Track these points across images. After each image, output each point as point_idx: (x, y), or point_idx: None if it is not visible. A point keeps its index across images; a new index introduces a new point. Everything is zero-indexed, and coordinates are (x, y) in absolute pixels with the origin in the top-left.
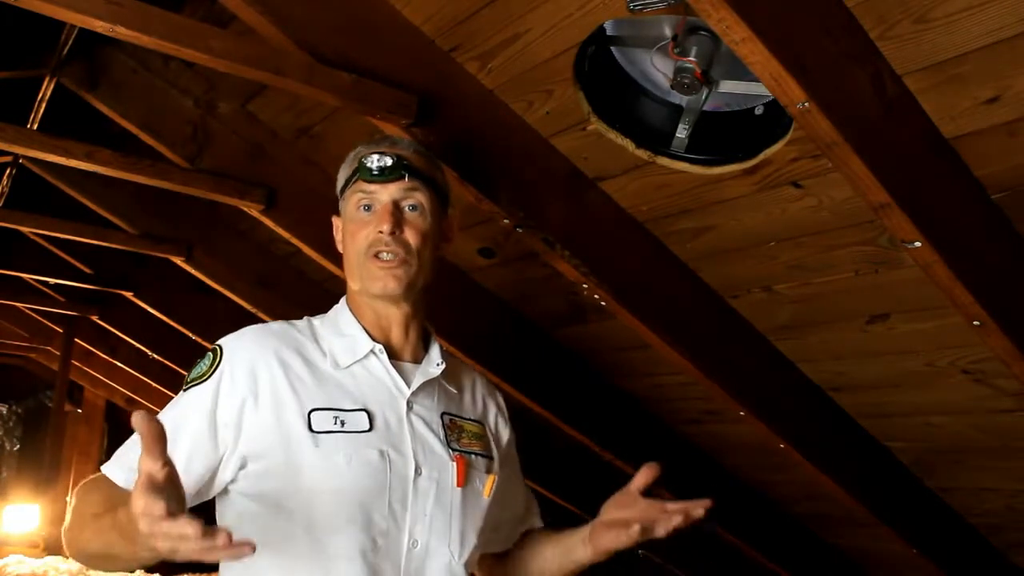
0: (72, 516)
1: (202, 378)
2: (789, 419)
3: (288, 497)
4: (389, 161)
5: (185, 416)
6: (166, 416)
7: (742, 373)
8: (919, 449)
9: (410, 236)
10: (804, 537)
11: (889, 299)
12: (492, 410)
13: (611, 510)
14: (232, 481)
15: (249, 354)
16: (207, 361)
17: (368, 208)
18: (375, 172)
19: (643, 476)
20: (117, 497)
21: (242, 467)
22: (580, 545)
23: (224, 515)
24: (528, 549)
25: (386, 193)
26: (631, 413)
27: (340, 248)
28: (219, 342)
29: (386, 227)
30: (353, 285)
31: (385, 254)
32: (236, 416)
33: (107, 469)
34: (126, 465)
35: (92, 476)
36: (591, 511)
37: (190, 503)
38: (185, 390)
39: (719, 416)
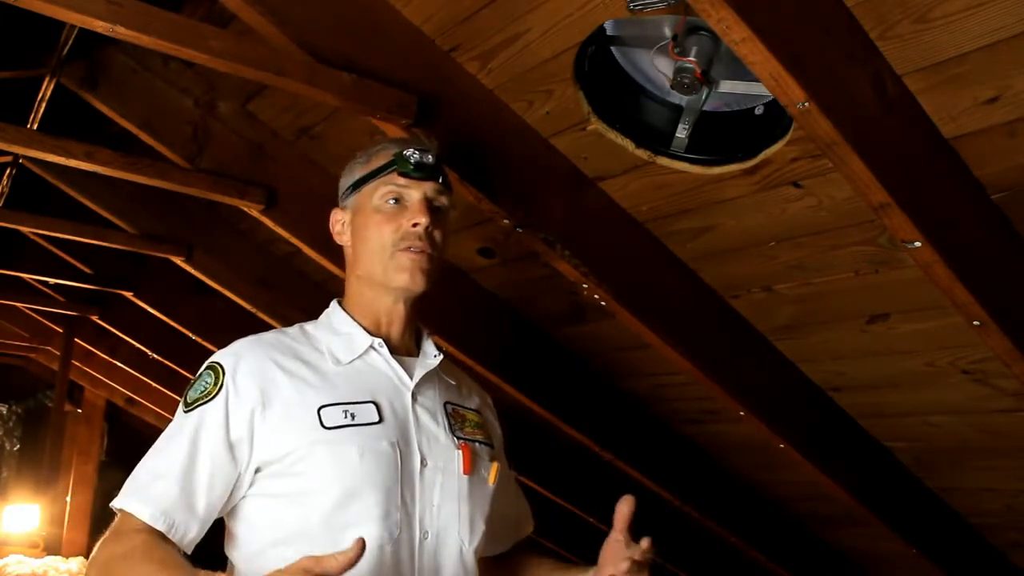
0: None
1: (208, 397)
2: (789, 419)
3: (304, 495)
4: (431, 158)
5: (199, 438)
6: (177, 440)
7: (742, 373)
8: (919, 449)
9: (438, 234)
10: (804, 537)
11: (889, 299)
12: (485, 408)
13: (607, 565)
14: (249, 485)
15: (249, 365)
16: (210, 379)
17: (396, 201)
18: (413, 167)
19: (623, 513)
20: (170, 559)
21: (258, 470)
22: None
23: (240, 515)
24: (529, 571)
25: (419, 190)
26: (631, 413)
27: (340, 240)
28: (216, 359)
29: (424, 220)
30: (365, 275)
31: (415, 248)
32: (247, 429)
33: (131, 506)
34: (150, 499)
35: (116, 527)
36: (591, 511)
37: (211, 521)
38: (189, 410)
39: (719, 416)
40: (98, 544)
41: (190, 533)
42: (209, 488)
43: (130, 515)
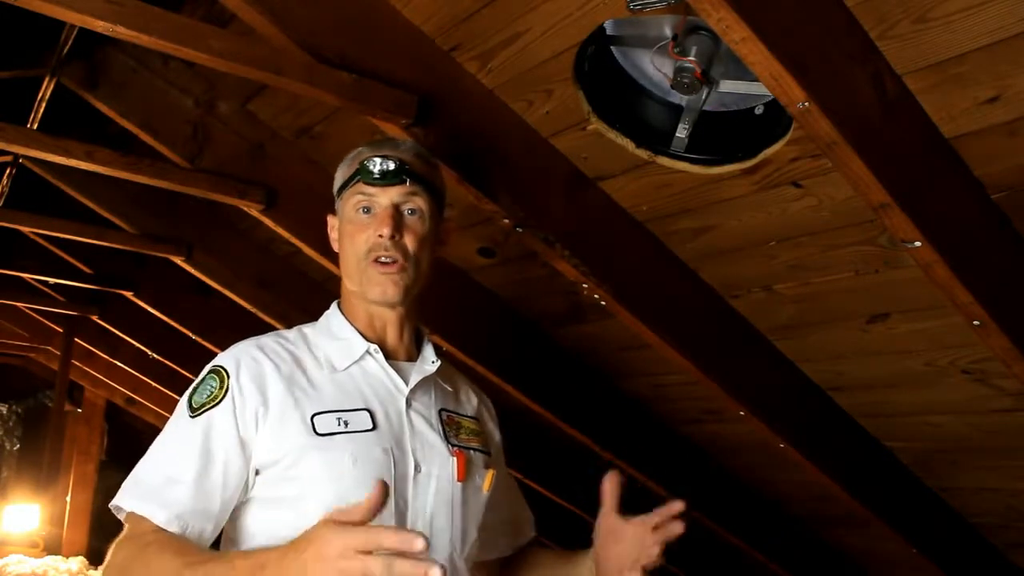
0: None
1: (215, 401)
2: (789, 419)
3: (298, 501)
4: (391, 165)
5: (211, 441)
6: (188, 445)
7: (742, 373)
8: (919, 449)
9: (409, 241)
10: (804, 537)
11: (889, 299)
12: (484, 412)
13: (607, 543)
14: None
15: (249, 368)
16: (215, 383)
17: (367, 211)
18: (376, 175)
19: (609, 489)
20: (186, 547)
21: (256, 473)
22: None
23: (236, 517)
24: (532, 566)
25: (386, 196)
26: (631, 413)
27: (335, 247)
28: (218, 362)
29: (386, 231)
30: (350, 287)
31: (384, 258)
32: (253, 431)
33: (145, 509)
34: (165, 504)
35: (130, 532)
36: (591, 511)
37: (225, 520)
38: (196, 415)
39: (719, 416)
40: (112, 548)
41: (205, 533)
42: (223, 490)
43: (142, 518)
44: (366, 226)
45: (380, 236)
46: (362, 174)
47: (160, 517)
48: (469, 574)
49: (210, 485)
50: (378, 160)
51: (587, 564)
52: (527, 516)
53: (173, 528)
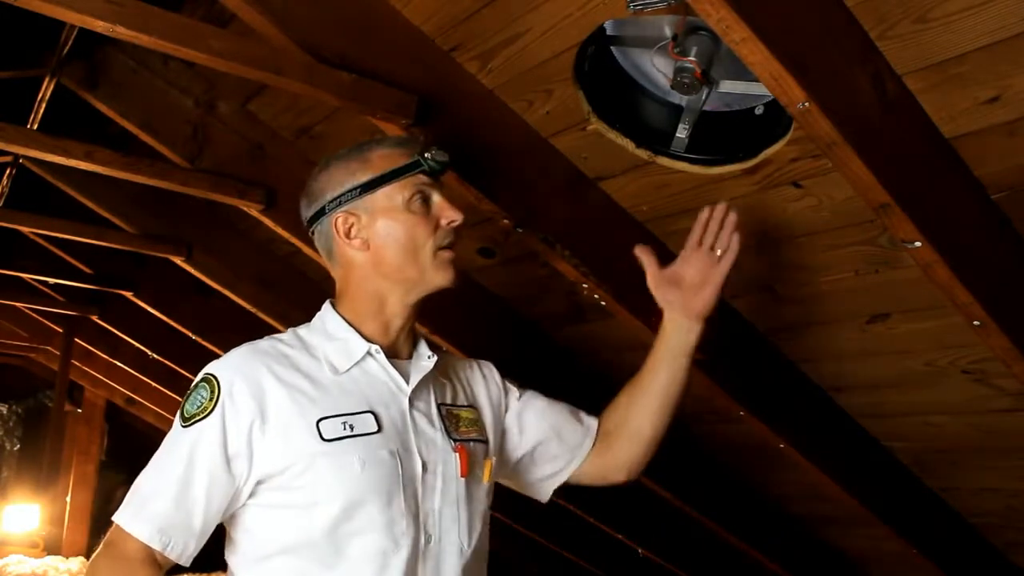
0: None
1: (205, 413)
2: (789, 419)
3: (308, 506)
4: (446, 158)
5: (196, 455)
6: (174, 457)
7: (742, 373)
8: (919, 449)
9: None
10: (804, 537)
11: (889, 299)
12: (480, 387)
13: (671, 294)
14: (249, 495)
15: (245, 378)
16: (205, 393)
17: (425, 201)
18: (438, 169)
19: (645, 254)
20: None
21: (259, 483)
22: (671, 338)
23: (242, 523)
24: (622, 406)
25: (437, 188)
26: None
27: (350, 245)
28: (211, 371)
29: (460, 218)
30: (395, 276)
31: (453, 244)
32: (246, 443)
33: (128, 524)
34: (146, 518)
35: (112, 541)
36: (591, 511)
37: (210, 533)
38: (187, 426)
39: (719, 416)
40: (93, 559)
41: (188, 549)
42: (206, 505)
43: (127, 532)
44: (427, 216)
45: (452, 223)
46: (424, 165)
47: (143, 533)
48: (477, 564)
49: (193, 499)
50: (437, 153)
51: (664, 340)
52: (579, 418)
53: (155, 544)
